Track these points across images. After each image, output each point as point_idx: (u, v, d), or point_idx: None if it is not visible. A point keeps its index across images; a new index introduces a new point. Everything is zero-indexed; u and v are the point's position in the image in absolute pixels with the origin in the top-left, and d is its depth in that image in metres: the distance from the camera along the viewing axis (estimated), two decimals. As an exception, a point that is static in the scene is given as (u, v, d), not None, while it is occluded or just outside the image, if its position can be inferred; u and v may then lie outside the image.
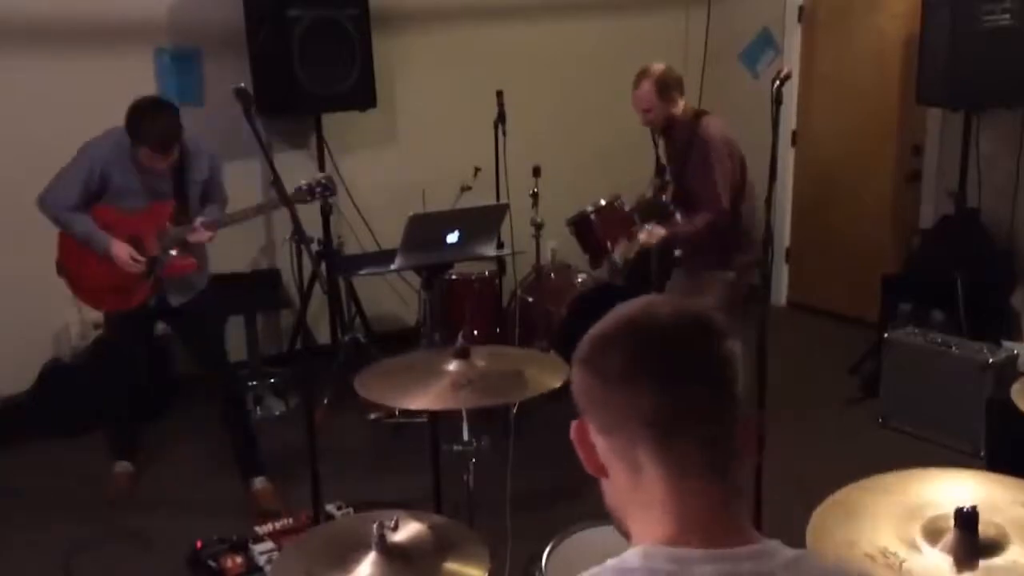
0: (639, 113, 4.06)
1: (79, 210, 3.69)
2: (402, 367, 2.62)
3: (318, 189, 3.73)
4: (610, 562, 1.07)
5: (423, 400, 2.37)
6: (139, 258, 3.69)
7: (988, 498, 1.65)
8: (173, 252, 3.77)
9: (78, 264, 3.79)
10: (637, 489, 1.09)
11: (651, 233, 4.05)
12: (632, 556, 1.07)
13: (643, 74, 3.98)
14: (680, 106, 4.05)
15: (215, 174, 3.92)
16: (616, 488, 1.13)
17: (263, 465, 4.01)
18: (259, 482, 3.96)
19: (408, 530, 1.93)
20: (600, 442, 1.12)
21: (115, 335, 4.07)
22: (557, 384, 2.44)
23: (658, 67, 3.98)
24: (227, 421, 4.03)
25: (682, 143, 4.08)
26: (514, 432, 3.99)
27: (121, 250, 3.67)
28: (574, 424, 1.14)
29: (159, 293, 3.82)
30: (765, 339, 3.04)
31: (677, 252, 4.17)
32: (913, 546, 1.56)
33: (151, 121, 3.59)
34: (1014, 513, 1.63)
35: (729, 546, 1.05)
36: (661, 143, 4.37)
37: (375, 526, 1.85)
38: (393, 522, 1.91)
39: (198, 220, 3.76)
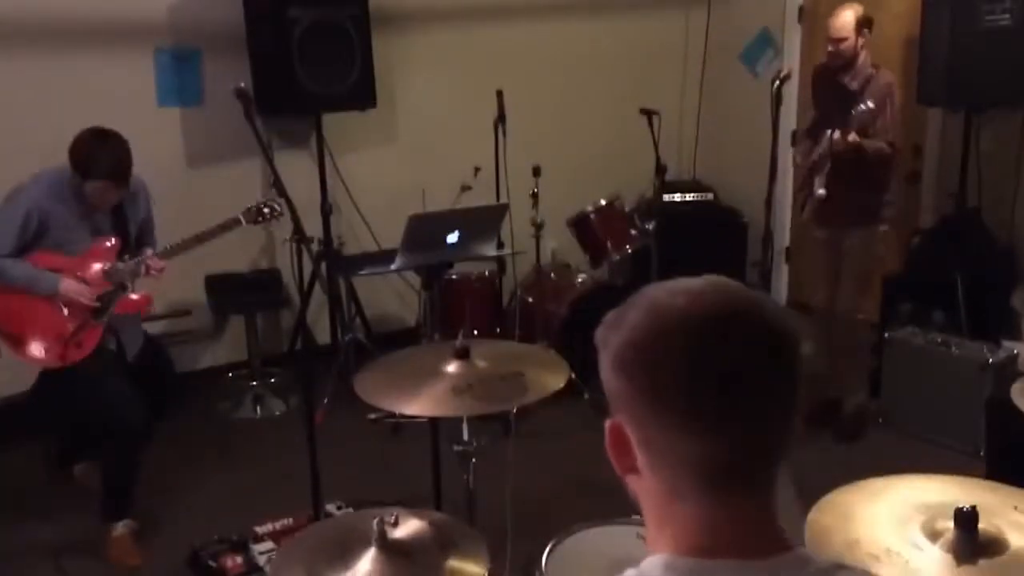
0: (831, 43, 4.26)
1: (20, 253, 3.44)
2: (402, 365, 2.62)
3: (266, 211, 3.66)
4: (629, 572, 1.01)
5: (422, 405, 2.37)
6: (91, 294, 3.47)
7: (981, 502, 1.65)
8: (128, 287, 3.57)
9: (17, 318, 3.48)
10: (668, 508, 1.01)
11: (844, 135, 4.12)
12: (652, 567, 1.00)
13: (844, 7, 4.23)
14: (864, 53, 4.26)
15: (150, 214, 3.76)
16: (644, 493, 1.04)
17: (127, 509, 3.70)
18: (121, 527, 3.65)
19: (408, 526, 1.93)
20: (640, 454, 1.01)
21: (76, 390, 3.61)
22: (558, 386, 2.45)
23: (859, 6, 4.23)
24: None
25: (856, 88, 4.23)
26: (514, 432, 3.99)
27: (71, 285, 3.45)
28: (610, 424, 1.02)
29: (115, 336, 3.61)
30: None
31: (820, 191, 4.21)
32: (914, 545, 1.57)
33: (101, 152, 3.40)
34: (1009, 517, 1.63)
35: (758, 556, 0.98)
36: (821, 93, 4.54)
37: (375, 522, 1.85)
38: (393, 518, 1.91)
39: (148, 251, 3.59)
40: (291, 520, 3.55)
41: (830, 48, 4.29)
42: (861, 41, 4.22)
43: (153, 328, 4.93)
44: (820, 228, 4.48)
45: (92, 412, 3.66)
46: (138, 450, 3.60)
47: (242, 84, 3.16)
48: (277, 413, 4.89)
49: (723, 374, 0.94)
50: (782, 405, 0.97)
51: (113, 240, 3.59)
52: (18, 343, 3.53)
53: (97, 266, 3.55)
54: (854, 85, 4.23)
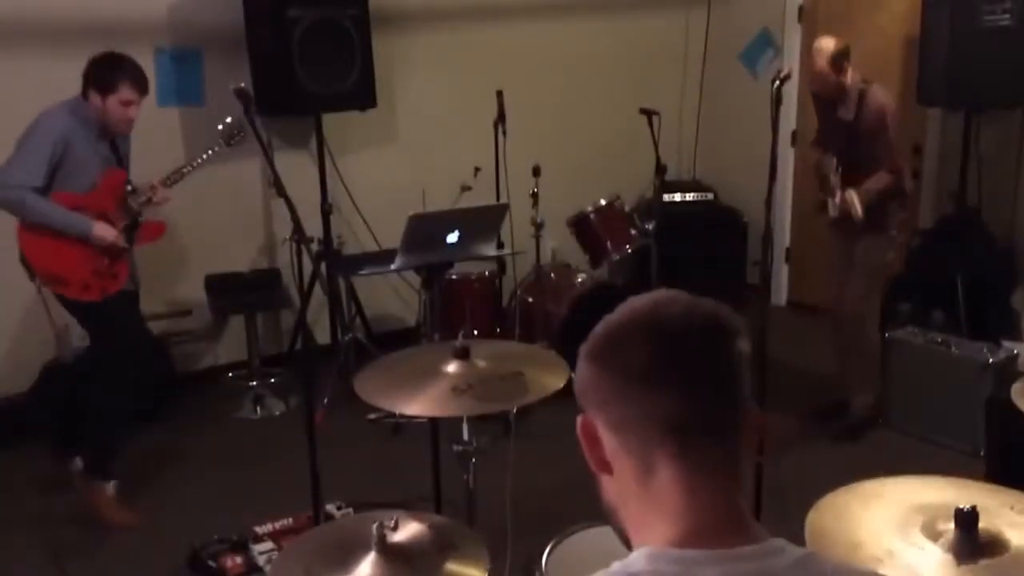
0: (816, 80, 4.28)
1: (43, 193, 3.54)
2: (402, 365, 2.61)
3: (233, 130, 3.85)
4: (616, 565, 1.06)
5: (422, 405, 2.37)
6: (118, 232, 3.65)
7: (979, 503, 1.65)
8: (142, 218, 3.77)
9: (54, 258, 3.62)
10: (646, 488, 1.08)
11: (850, 201, 4.15)
12: (637, 559, 1.05)
13: (817, 51, 4.22)
14: (851, 79, 4.22)
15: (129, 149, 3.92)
16: (621, 486, 1.11)
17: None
18: (111, 487, 3.84)
19: (408, 530, 1.93)
20: (609, 439, 1.10)
21: (117, 322, 3.77)
22: (558, 386, 2.44)
23: (829, 44, 4.20)
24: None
25: (851, 120, 4.23)
26: (514, 432, 3.99)
27: (104, 230, 3.61)
28: (580, 419, 1.12)
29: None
30: (765, 339, 3.03)
31: (834, 214, 4.29)
32: (915, 547, 1.56)
33: (123, 63, 3.61)
34: (1007, 517, 1.63)
35: (736, 545, 1.04)
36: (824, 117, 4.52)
37: (375, 526, 1.85)
38: (393, 522, 1.91)
39: (154, 180, 3.77)
40: (291, 520, 3.55)
41: (813, 80, 4.31)
42: (841, 74, 4.19)
43: (153, 328, 4.93)
44: (834, 233, 4.49)
45: (122, 348, 3.77)
46: (136, 400, 3.78)
47: (242, 84, 3.15)
48: (277, 413, 4.88)
49: (677, 345, 1.07)
50: (721, 374, 1.08)
51: (119, 171, 3.73)
52: (60, 282, 3.66)
53: (113, 200, 3.70)
54: (848, 116, 4.23)
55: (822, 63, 4.19)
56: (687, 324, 1.08)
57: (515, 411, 4.11)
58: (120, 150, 3.79)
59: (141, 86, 3.66)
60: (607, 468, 1.11)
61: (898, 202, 4.33)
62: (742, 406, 1.09)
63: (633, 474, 1.08)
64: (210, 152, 3.96)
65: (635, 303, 1.12)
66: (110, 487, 3.82)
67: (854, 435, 4.39)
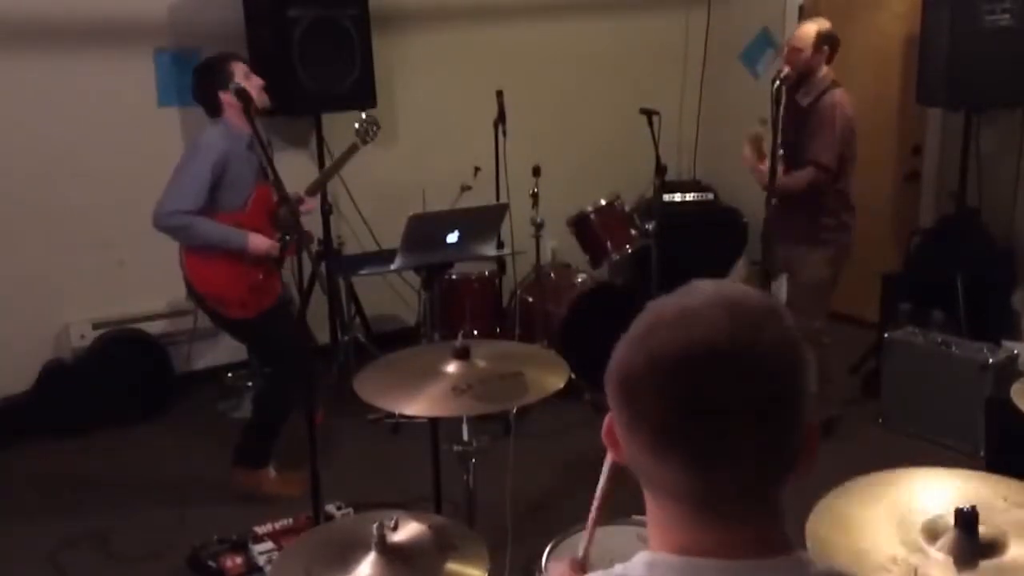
0: (788, 50, 4.23)
1: (201, 214, 3.62)
2: (402, 365, 2.62)
3: (369, 127, 3.96)
4: (617, 568, 1.02)
5: (422, 405, 2.37)
6: (273, 244, 3.68)
7: (979, 497, 1.65)
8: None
9: (214, 278, 3.72)
10: (660, 510, 1.00)
11: (763, 172, 4.10)
12: (637, 564, 1.01)
13: (812, 20, 4.23)
14: (823, 69, 4.19)
15: None
16: (642, 482, 1.03)
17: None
18: (272, 468, 4.04)
19: (408, 530, 1.93)
20: (631, 450, 1.00)
21: (273, 337, 3.82)
22: (558, 386, 2.44)
23: (827, 23, 4.21)
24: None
25: (809, 104, 4.18)
26: (514, 432, 3.99)
27: (259, 240, 3.67)
28: (607, 419, 1.02)
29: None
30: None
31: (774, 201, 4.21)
32: (919, 550, 1.56)
33: (212, 59, 3.76)
34: (1008, 513, 1.63)
35: (747, 557, 0.96)
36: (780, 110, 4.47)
37: (375, 526, 1.85)
38: (393, 522, 1.91)
39: (299, 193, 3.85)
40: (291, 520, 3.55)
41: (786, 55, 4.25)
42: (819, 57, 4.16)
43: (153, 328, 4.94)
44: (776, 248, 4.36)
45: (285, 360, 3.84)
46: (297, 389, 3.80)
47: (242, 84, 3.16)
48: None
49: (700, 411, 0.91)
50: (767, 439, 0.93)
51: (267, 185, 3.72)
52: (221, 302, 3.76)
53: (265, 215, 3.76)
54: (805, 102, 4.19)
55: (806, 35, 4.16)
56: (714, 382, 0.91)
57: (515, 411, 4.11)
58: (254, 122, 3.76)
59: (238, 56, 3.83)
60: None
61: (835, 219, 4.20)
62: (793, 433, 0.94)
63: (648, 494, 1.02)
64: (350, 153, 4.00)
65: (659, 316, 0.96)
66: (271, 470, 4.00)
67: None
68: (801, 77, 4.18)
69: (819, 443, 0.98)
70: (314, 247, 4.59)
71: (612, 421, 1.01)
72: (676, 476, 0.94)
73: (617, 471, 1.32)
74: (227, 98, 3.68)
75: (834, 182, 4.16)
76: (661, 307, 0.97)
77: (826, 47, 4.16)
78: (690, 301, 0.96)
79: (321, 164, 5.01)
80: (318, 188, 4.06)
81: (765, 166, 4.06)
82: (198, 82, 3.79)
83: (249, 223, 3.73)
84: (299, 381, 3.73)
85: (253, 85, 3.72)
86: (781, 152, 4.14)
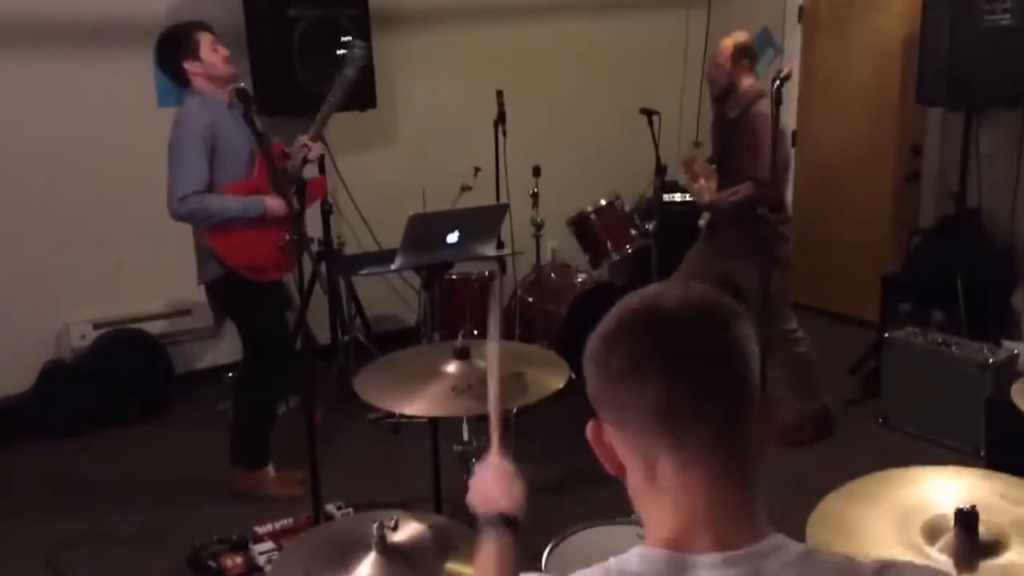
0: (709, 66, 4.26)
1: (210, 190, 3.57)
2: (402, 364, 2.61)
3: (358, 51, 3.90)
4: (612, 561, 1.07)
5: (422, 405, 2.37)
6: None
7: (979, 495, 1.65)
8: (305, 179, 3.71)
9: (246, 249, 3.66)
10: (653, 481, 1.08)
11: (707, 189, 4.13)
12: (631, 557, 1.06)
13: (730, 36, 4.24)
14: (745, 81, 4.20)
15: None
16: (634, 483, 1.11)
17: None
18: (271, 467, 4.03)
19: (408, 530, 1.93)
20: (615, 438, 1.10)
21: (277, 317, 3.85)
22: (558, 386, 2.44)
23: (744, 35, 4.24)
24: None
25: (735, 117, 4.18)
26: (514, 432, 3.99)
27: (275, 202, 3.59)
28: (590, 424, 1.13)
29: None
30: (765, 339, 3.03)
31: (701, 221, 4.25)
32: (917, 549, 1.56)
33: (176, 27, 3.73)
34: (1006, 510, 1.63)
35: (735, 545, 1.03)
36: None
37: (375, 526, 1.85)
38: (393, 522, 1.91)
39: (301, 138, 3.82)
40: (291, 520, 3.55)
41: (707, 73, 4.29)
42: (738, 70, 4.17)
43: (153, 328, 4.94)
44: (703, 242, 4.42)
45: (264, 339, 3.84)
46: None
47: (242, 84, 3.15)
48: (277, 413, 4.87)
49: (661, 334, 1.07)
50: (718, 356, 1.06)
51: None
52: (256, 269, 3.71)
53: (266, 181, 3.63)
54: (732, 114, 4.20)
55: (723, 50, 4.18)
56: (671, 315, 1.07)
57: (515, 411, 4.11)
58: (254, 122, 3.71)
59: (206, 25, 3.75)
60: (621, 469, 1.12)
61: (772, 230, 4.11)
62: (746, 392, 1.07)
63: (640, 469, 1.09)
64: (338, 89, 3.93)
65: (624, 301, 1.12)
66: (270, 470, 3.98)
67: (813, 437, 4.33)
68: (725, 91, 4.21)
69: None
70: (314, 247, 4.60)
71: (593, 424, 1.13)
72: (654, 389, 1.04)
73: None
74: (192, 67, 3.65)
75: (772, 193, 4.10)
76: (630, 296, 1.14)
77: (745, 60, 4.18)
78: (653, 288, 1.13)
79: (321, 164, 5.00)
80: (318, 132, 3.95)
81: (700, 184, 4.12)
82: (162, 52, 3.72)
83: (262, 186, 3.66)
84: (276, 375, 3.79)
85: (219, 56, 3.69)
86: (714, 167, 4.17)
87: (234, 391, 4.17)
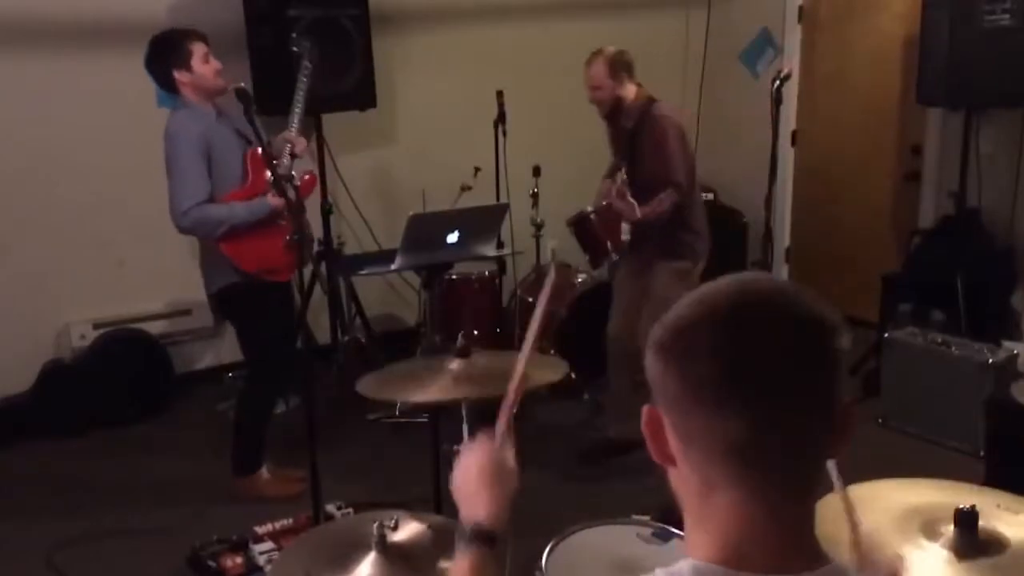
0: (589, 91, 4.10)
1: (213, 200, 3.57)
2: (404, 372, 2.62)
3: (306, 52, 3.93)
4: (659, 572, 1.01)
5: (425, 394, 2.37)
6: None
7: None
8: (295, 175, 3.74)
9: (258, 253, 3.65)
10: (705, 502, 1.01)
11: (632, 209, 4.02)
12: (682, 570, 1.00)
13: (596, 54, 4.07)
14: (630, 91, 4.09)
15: None
16: (681, 486, 1.05)
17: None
18: (265, 470, 4.01)
19: (408, 530, 1.93)
20: (673, 440, 1.02)
21: (278, 323, 3.82)
22: (557, 378, 2.45)
23: (611, 49, 4.08)
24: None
25: (633, 126, 4.08)
26: (514, 432, 3.98)
27: (273, 200, 3.58)
28: (647, 410, 1.04)
29: None
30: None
31: (625, 237, 4.12)
32: (916, 547, 1.55)
33: (168, 33, 3.69)
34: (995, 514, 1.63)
35: (793, 570, 0.98)
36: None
37: (375, 526, 1.85)
38: (393, 522, 1.91)
39: (288, 133, 3.80)
40: (291, 520, 3.55)
41: (589, 97, 4.15)
42: (619, 84, 4.05)
43: (153, 328, 4.94)
44: (626, 261, 4.35)
45: (264, 346, 3.81)
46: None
47: (242, 84, 3.15)
48: (277, 413, 4.87)
49: (751, 357, 0.96)
50: (811, 389, 0.98)
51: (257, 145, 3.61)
52: (273, 271, 3.70)
53: (268, 175, 3.61)
54: (629, 124, 4.11)
55: (597, 74, 4.04)
56: (768, 328, 0.96)
57: (515, 411, 4.11)
58: (240, 128, 3.70)
59: (200, 35, 3.70)
60: (670, 461, 1.05)
61: (693, 233, 4.16)
62: (831, 411, 0.99)
63: (693, 485, 1.03)
64: (304, 77, 3.97)
65: (713, 293, 1.01)
66: (264, 472, 3.96)
67: (601, 458, 4.13)
68: (614, 108, 4.11)
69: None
70: (314, 247, 4.60)
71: (652, 410, 1.03)
72: (734, 424, 0.95)
73: (557, 291, 1.44)
74: (181, 76, 3.63)
75: (690, 194, 4.10)
76: (710, 283, 1.03)
77: (622, 72, 4.06)
78: (738, 277, 1.03)
79: (321, 164, 5.01)
80: (296, 122, 3.93)
81: (629, 200, 4.01)
82: (152, 55, 3.68)
83: (258, 190, 3.67)
84: (276, 382, 3.78)
85: (211, 68, 3.66)
86: (624, 178, 4.08)
87: (240, 392, 4.17)
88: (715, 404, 0.96)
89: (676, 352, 0.99)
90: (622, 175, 4.16)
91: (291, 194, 3.27)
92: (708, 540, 1.01)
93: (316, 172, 4.08)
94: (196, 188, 3.54)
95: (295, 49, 4.00)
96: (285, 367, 3.87)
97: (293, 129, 3.86)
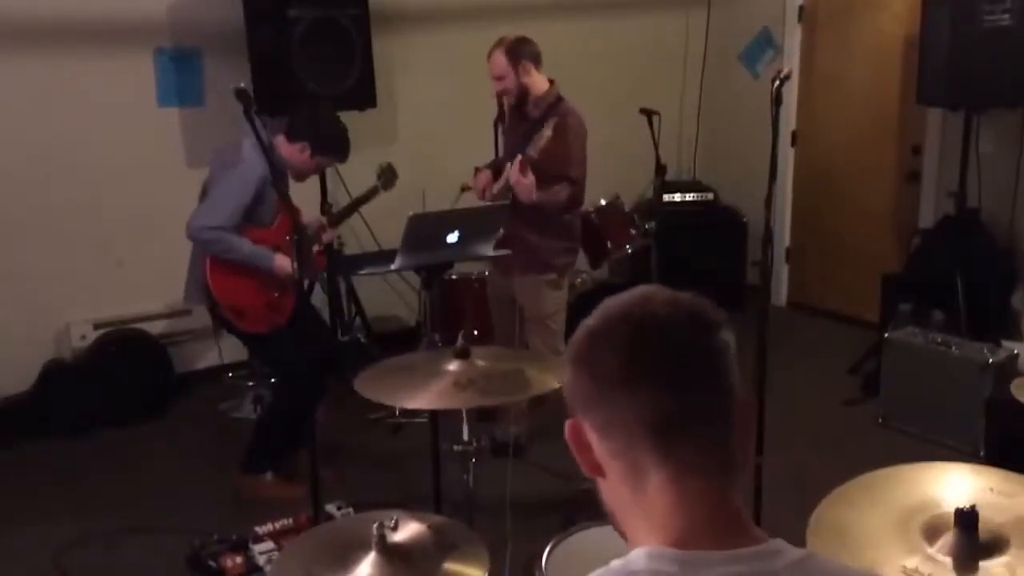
0: (493, 81, 4.07)
1: (235, 231, 3.65)
2: (403, 368, 2.62)
3: (389, 176, 4.17)
4: (615, 563, 1.06)
5: (424, 399, 2.37)
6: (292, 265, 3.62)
7: (979, 492, 1.64)
8: (314, 249, 3.90)
9: (236, 291, 3.73)
10: (638, 492, 1.07)
11: (530, 189, 3.86)
12: (637, 557, 1.05)
13: (495, 44, 4.05)
14: (539, 81, 4.06)
15: None
16: (614, 490, 1.10)
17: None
18: (270, 474, 4.03)
19: (408, 530, 1.93)
20: (597, 443, 1.09)
21: (285, 353, 3.86)
22: (559, 383, 2.45)
23: (510, 37, 4.05)
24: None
25: (540, 116, 4.02)
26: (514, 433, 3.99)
27: (284, 262, 3.69)
28: (568, 423, 1.11)
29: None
30: (765, 339, 3.03)
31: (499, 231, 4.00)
32: (928, 558, 1.54)
33: (347, 138, 3.89)
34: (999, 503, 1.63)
35: (735, 547, 1.03)
36: (504, 125, 4.38)
37: (375, 526, 1.85)
38: (393, 522, 1.91)
39: (321, 220, 3.99)
40: (291, 520, 3.54)
41: (495, 89, 4.09)
42: (524, 73, 3.99)
43: (153, 328, 4.94)
44: (495, 271, 4.29)
45: (297, 373, 3.85)
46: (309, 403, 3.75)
47: (242, 84, 3.15)
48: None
49: (651, 341, 1.06)
50: (706, 370, 1.06)
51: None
52: (239, 314, 3.76)
53: (287, 237, 3.71)
54: (535, 113, 4.05)
55: (498, 64, 3.99)
56: (663, 320, 1.07)
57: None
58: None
59: (342, 160, 4.05)
60: (599, 471, 1.10)
61: (567, 242, 4.13)
62: (730, 397, 1.07)
63: (624, 478, 1.08)
64: (372, 197, 4.22)
65: (611, 303, 1.11)
66: (268, 476, 3.99)
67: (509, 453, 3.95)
68: (521, 98, 4.06)
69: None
70: (315, 247, 4.60)
71: (573, 423, 1.11)
72: (645, 397, 1.04)
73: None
74: (287, 145, 3.83)
75: (579, 198, 4.06)
76: (613, 299, 1.13)
77: (525, 60, 4.00)
78: (636, 292, 1.12)
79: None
80: (338, 221, 4.21)
81: (530, 179, 3.84)
82: (292, 117, 3.94)
83: (272, 240, 3.75)
84: (308, 395, 3.74)
85: (309, 166, 3.90)
86: (526, 155, 3.96)
87: (272, 389, 4.24)
88: (624, 385, 1.05)
89: (585, 356, 1.09)
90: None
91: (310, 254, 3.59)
92: (651, 527, 1.06)
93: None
94: (229, 217, 3.62)
95: (377, 170, 4.27)
96: (310, 375, 3.82)
97: (331, 221, 4.15)
